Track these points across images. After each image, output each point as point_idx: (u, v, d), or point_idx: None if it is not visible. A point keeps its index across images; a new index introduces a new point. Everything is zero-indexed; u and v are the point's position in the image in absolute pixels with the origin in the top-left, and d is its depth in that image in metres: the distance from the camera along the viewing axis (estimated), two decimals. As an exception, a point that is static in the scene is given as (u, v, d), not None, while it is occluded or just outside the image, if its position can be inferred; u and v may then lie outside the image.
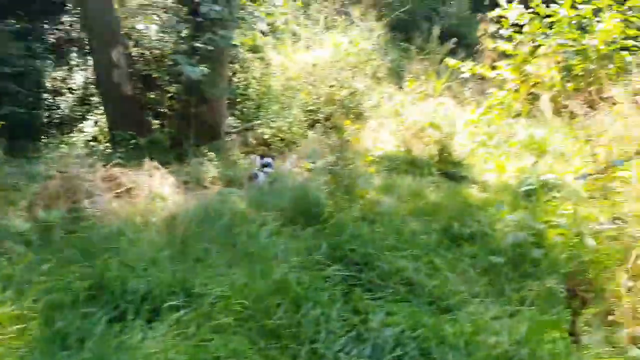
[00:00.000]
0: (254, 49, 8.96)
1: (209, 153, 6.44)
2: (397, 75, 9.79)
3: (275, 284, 2.99)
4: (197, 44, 6.74)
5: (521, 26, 8.00)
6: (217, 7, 6.57)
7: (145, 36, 7.64)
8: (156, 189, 4.93)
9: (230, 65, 8.24)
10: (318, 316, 2.79)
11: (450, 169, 5.95)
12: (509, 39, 8.07)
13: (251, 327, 2.75)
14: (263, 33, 8.72)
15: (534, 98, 7.35)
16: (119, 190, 4.75)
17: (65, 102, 8.84)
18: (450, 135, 6.31)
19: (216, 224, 4.09)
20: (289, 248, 3.54)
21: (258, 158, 6.81)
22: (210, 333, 2.68)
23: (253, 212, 4.38)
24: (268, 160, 6.20)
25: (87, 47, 8.26)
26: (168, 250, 3.58)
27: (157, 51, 7.54)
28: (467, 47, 10.19)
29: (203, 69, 6.56)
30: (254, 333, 2.71)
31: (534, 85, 7.45)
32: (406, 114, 7.72)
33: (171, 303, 2.88)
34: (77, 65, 9.07)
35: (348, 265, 3.41)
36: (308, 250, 3.52)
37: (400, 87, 9.15)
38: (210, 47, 6.68)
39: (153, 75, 7.47)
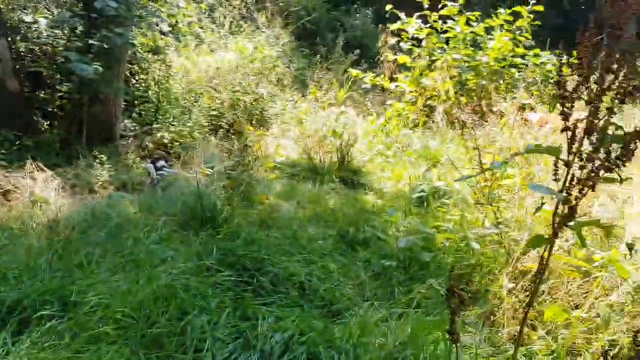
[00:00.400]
0: (155, 50, 8.69)
1: (101, 156, 6.13)
2: (301, 83, 9.87)
3: (160, 290, 2.85)
4: (92, 41, 6.41)
5: (420, 40, 8.32)
6: (113, 4, 6.28)
7: (35, 30, 7.17)
8: (39, 193, 4.61)
9: (129, 65, 7.92)
10: (204, 323, 2.69)
11: (349, 177, 6.03)
12: (408, 52, 8.36)
13: (132, 336, 2.60)
14: (163, 34, 8.46)
15: (430, 110, 7.65)
16: (-5, 193, 4.40)
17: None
18: (350, 144, 6.39)
19: (103, 229, 3.88)
20: (179, 254, 3.41)
21: (153, 162, 6.50)
22: (85, 343, 2.51)
23: (144, 217, 4.20)
24: (162, 163, 5.97)
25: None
26: (47, 257, 3.34)
27: (48, 47, 7.10)
28: (371, 58, 10.47)
29: (97, 67, 6.24)
30: (134, 342, 2.56)
31: (430, 97, 7.76)
32: (309, 122, 7.79)
33: (43, 313, 2.67)
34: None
35: (240, 271, 3.32)
36: (199, 256, 3.40)
37: (304, 95, 9.22)
38: (105, 45, 6.37)
39: (43, 73, 7.03)
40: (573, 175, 1.77)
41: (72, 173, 5.65)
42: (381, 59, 9.37)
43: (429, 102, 7.77)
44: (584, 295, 3.17)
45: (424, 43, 8.24)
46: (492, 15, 8.11)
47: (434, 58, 8.03)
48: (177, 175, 5.82)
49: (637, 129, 1.69)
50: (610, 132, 1.74)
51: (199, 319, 2.71)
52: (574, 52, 1.80)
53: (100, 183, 5.63)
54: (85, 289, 2.92)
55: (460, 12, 8.10)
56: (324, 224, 4.46)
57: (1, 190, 4.42)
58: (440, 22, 8.16)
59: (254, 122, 8.38)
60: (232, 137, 7.86)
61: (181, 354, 2.56)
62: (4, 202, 4.32)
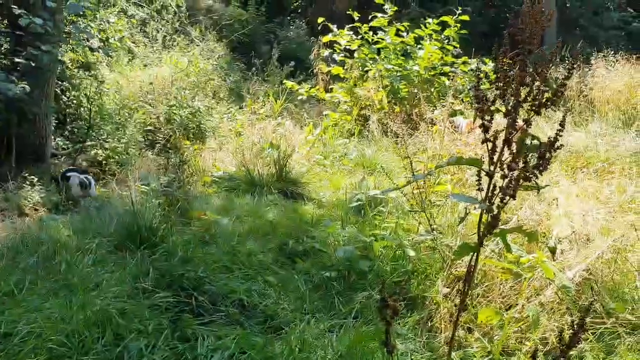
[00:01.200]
0: (86, 66, 8.47)
1: (31, 177, 5.91)
2: (237, 96, 9.86)
3: (94, 316, 2.78)
4: (18, 60, 6.20)
5: (352, 51, 8.48)
6: (39, 21, 6.09)
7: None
8: (-37, 219, 4.40)
9: (59, 82, 7.68)
10: (142, 347, 2.65)
11: (288, 188, 6.04)
12: (341, 63, 8.50)
13: (66, 366, 2.53)
14: (91, 50, 8.25)
15: (365, 119, 7.79)
16: None
17: None
18: (288, 155, 6.42)
19: (34, 254, 3.74)
20: (114, 276, 3.32)
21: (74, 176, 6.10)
22: (16, 377, 2.42)
23: (77, 239, 4.07)
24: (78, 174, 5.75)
25: None
26: (-27, 288, 3.20)
27: (-29, 66, 6.81)
28: (306, 69, 10.58)
29: (25, 86, 6.04)
30: (68, 372, 2.50)
31: (365, 107, 7.90)
32: (246, 134, 7.77)
33: (-30, 347, 2.56)
34: None
35: (178, 291, 3.28)
36: (134, 277, 3.33)
37: (241, 108, 9.21)
38: (32, 63, 6.18)
39: (-34, 93, 6.72)
40: (495, 185, 1.85)
41: (1, 196, 5.42)
42: (315, 70, 9.48)
43: (363, 111, 7.91)
44: (516, 296, 3.30)
45: (356, 54, 8.40)
46: (421, 25, 8.34)
47: (366, 69, 8.19)
48: (112, 194, 5.67)
49: (551, 139, 1.79)
50: (528, 142, 1.84)
51: (136, 343, 2.66)
52: (494, 56, 1.88)
53: (31, 205, 5.43)
54: (16, 319, 2.81)
55: (390, 23, 8.30)
56: (263, 238, 4.46)
57: None
58: (371, 33, 8.34)
59: (190, 136, 8.29)
60: (169, 151, 7.75)
61: (118, 381, 2.51)
62: None
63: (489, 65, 7.18)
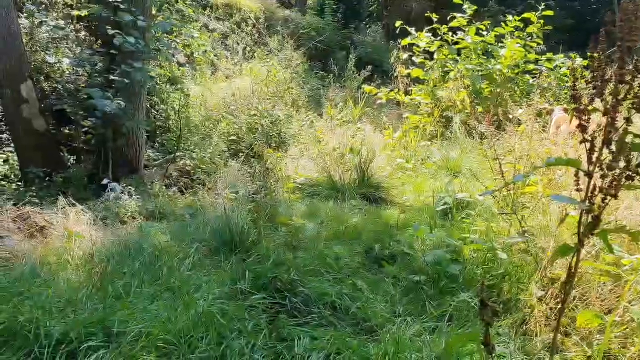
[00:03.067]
0: (173, 81, 8.90)
1: (128, 187, 6.28)
2: (316, 103, 10.02)
3: (198, 316, 2.94)
4: (112, 77, 6.62)
5: (431, 53, 8.42)
6: (131, 39, 6.48)
7: (57, 70, 7.42)
8: (72, 227, 4.73)
9: (149, 97, 8.12)
10: (243, 346, 2.78)
11: (370, 192, 6.09)
12: (421, 65, 8.46)
13: (175, 363, 2.69)
14: (179, 64, 8.67)
15: (446, 120, 7.71)
16: (31, 230, 4.53)
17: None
18: (369, 160, 6.46)
19: (136, 259, 3.99)
20: (212, 279, 3.50)
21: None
22: (131, 372, 2.61)
23: (175, 245, 4.30)
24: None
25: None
26: (86, 290, 3.45)
27: (71, 85, 7.33)
28: (384, 73, 10.60)
29: (120, 102, 6.43)
30: (177, 369, 2.66)
31: (446, 108, 7.82)
32: (326, 140, 7.89)
33: (90, 344, 2.77)
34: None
35: (272, 292, 3.40)
36: (232, 280, 3.49)
37: (320, 114, 9.34)
38: (126, 80, 6.57)
39: (67, 110, 7.24)
40: (594, 185, 1.82)
41: (102, 206, 5.79)
42: (395, 74, 9.48)
43: (445, 113, 7.84)
44: (616, 299, 3.18)
45: (435, 55, 8.34)
46: (502, 22, 8.17)
47: (447, 69, 8.11)
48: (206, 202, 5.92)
49: (655, 136, 1.75)
50: (628, 140, 1.80)
51: (237, 342, 2.79)
52: (589, 54, 1.85)
53: (129, 214, 5.75)
54: (126, 319, 3.01)
55: (469, 23, 8.18)
56: (349, 242, 4.53)
57: (37, 227, 4.56)
58: (450, 33, 8.25)
59: (272, 144, 8.51)
60: (252, 160, 7.98)
61: (223, 378, 2.64)
62: (42, 239, 4.46)
63: (577, 61, 6.91)
